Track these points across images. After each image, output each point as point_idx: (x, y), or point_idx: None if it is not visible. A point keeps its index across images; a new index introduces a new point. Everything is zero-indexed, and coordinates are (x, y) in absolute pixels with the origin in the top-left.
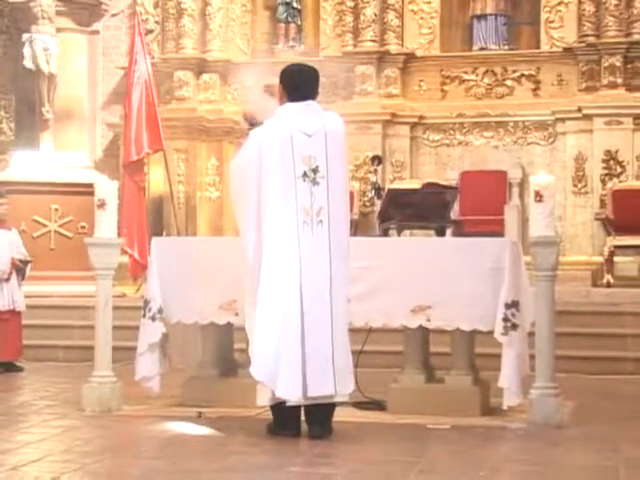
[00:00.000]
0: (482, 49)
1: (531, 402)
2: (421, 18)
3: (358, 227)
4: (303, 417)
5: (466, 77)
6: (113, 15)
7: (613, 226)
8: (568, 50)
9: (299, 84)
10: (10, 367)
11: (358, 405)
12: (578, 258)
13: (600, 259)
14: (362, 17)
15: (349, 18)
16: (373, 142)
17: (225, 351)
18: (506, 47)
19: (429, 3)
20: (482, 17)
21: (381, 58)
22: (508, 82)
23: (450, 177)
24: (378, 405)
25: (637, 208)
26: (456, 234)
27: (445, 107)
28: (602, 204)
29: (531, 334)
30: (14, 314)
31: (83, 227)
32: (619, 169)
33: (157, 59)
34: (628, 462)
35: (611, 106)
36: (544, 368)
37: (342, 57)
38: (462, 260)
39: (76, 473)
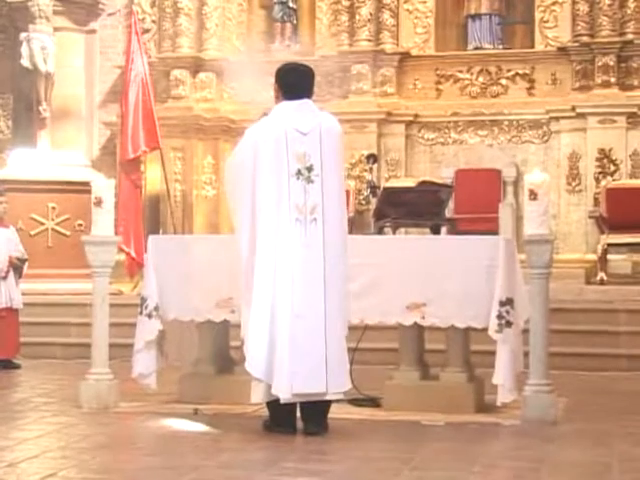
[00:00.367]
0: (477, 48)
1: (525, 399)
2: (416, 17)
3: (354, 225)
4: (299, 414)
5: (461, 76)
6: (110, 14)
7: (607, 224)
8: (562, 49)
9: (295, 83)
10: (7, 364)
11: (353, 402)
12: (572, 256)
13: (594, 257)
14: (357, 16)
15: (344, 17)
16: (368, 140)
17: (221, 348)
18: (500, 46)
19: (424, 3)
20: (477, 17)
21: (376, 57)
22: (502, 81)
23: (445, 175)
24: (373, 402)
25: (630, 206)
26: (451, 232)
27: (440, 106)
28: (596, 202)
29: (525, 331)
30: (11, 312)
31: (80, 225)
32: (613, 167)
33: (154, 58)
34: (622, 458)
35: (605, 105)
36: (538, 365)
37: (337, 56)
38: (457, 258)
39: (73, 469)
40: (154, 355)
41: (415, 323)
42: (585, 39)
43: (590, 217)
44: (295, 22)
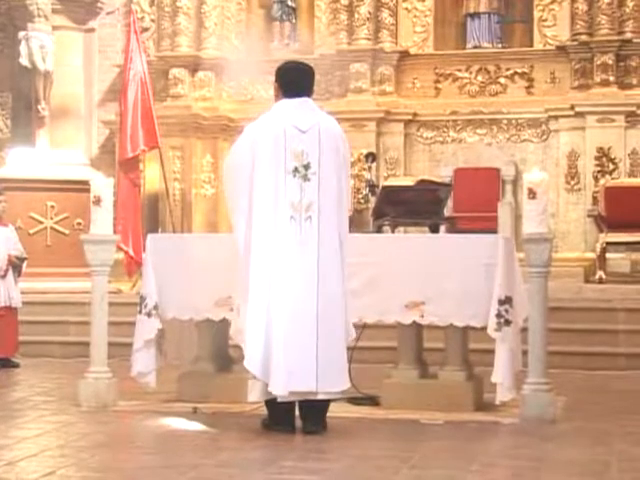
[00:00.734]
0: (475, 47)
1: (524, 397)
2: (415, 16)
3: (352, 224)
4: (298, 413)
5: (460, 75)
6: (109, 13)
7: (605, 223)
8: (561, 48)
9: (295, 81)
10: (6, 363)
11: (352, 400)
12: (571, 255)
13: (592, 256)
14: (356, 15)
15: (343, 16)
16: (367, 139)
17: (220, 347)
18: (499, 45)
19: (423, 1)
20: (475, 15)
21: (375, 56)
22: (501, 80)
23: (444, 174)
24: (372, 400)
25: (629, 205)
26: (450, 231)
27: (439, 104)
28: (594, 201)
29: (524, 330)
30: (10, 310)
31: (79, 224)
32: (611, 166)
33: (152, 57)
34: (620, 457)
35: (603, 104)
36: (537, 364)
37: (336, 55)
38: (455, 256)
39: (72, 468)
40: (153, 354)
41: (414, 322)
42: (584, 38)
43: (589, 216)
44: (294, 21)
